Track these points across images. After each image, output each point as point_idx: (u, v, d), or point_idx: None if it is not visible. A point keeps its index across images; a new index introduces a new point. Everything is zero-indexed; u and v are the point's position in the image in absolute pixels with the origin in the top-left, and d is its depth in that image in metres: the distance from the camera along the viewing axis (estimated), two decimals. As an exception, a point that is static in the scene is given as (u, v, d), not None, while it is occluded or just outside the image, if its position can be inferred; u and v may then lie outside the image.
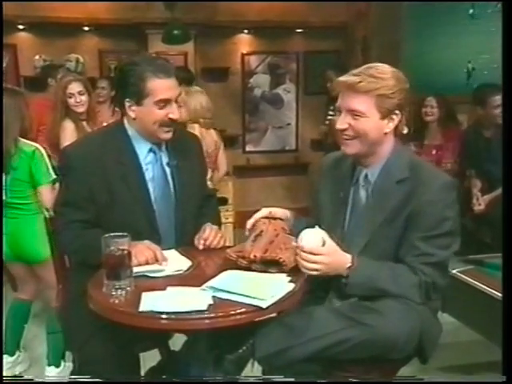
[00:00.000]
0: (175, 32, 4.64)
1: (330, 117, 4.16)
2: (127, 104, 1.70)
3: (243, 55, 5.42)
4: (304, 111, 5.54)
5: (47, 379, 2.38)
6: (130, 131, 1.76)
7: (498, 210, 3.02)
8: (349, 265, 1.48)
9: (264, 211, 1.65)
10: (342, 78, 1.54)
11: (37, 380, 2.32)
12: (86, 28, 4.97)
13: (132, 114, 1.71)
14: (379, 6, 4.93)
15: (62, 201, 1.78)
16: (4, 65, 4.69)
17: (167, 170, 1.79)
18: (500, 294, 1.90)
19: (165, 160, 1.79)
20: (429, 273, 1.51)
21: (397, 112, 1.54)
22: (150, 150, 1.77)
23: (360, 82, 1.50)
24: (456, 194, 1.57)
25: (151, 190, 1.75)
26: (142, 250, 1.58)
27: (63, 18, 4.70)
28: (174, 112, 1.70)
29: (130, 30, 4.89)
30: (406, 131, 1.60)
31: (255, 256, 1.50)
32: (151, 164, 1.77)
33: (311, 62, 5.46)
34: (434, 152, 3.63)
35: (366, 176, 1.61)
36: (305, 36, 5.44)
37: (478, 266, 2.28)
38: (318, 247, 1.45)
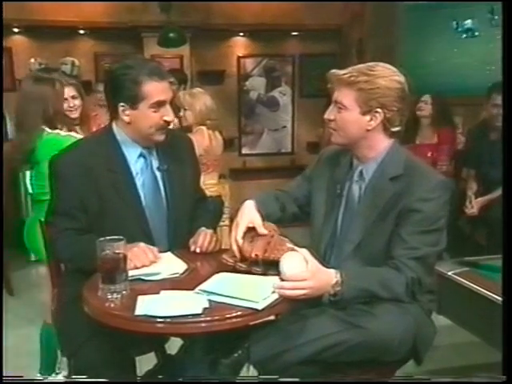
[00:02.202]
0: (171, 35, 4.64)
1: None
2: (121, 108, 1.68)
3: (239, 58, 5.42)
4: (300, 114, 5.55)
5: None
6: (119, 136, 1.74)
7: (494, 212, 3.05)
8: (334, 281, 1.43)
9: (243, 227, 1.56)
10: (334, 70, 1.60)
11: (36, 380, 2.31)
12: (82, 31, 4.97)
13: (126, 119, 1.69)
14: (374, 8, 4.95)
15: (54, 210, 1.75)
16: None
17: (158, 174, 1.77)
18: (495, 296, 1.90)
19: (155, 165, 1.77)
20: (414, 267, 1.50)
21: (379, 110, 1.54)
22: (140, 155, 1.75)
23: (345, 74, 1.55)
24: (449, 194, 1.58)
25: (142, 196, 1.73)
26: (138, 254, 1.57)
27: (59, 21, 4.70)
28: (168, 114, 1.70)
29: (125, 33, 4.89)
30: (395, 129, 1.59)
31: (256, 255, 1.48)
32: (141, 170, 1.75)
33: (307, 64, 5.48)
34: (429, 154, 3.64)
35: (361, 172, 1.63)
36: (300, 39, 5.46)
37: (473, 267, 2.28)
38: (302, 272, 1.37)
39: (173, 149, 1.82)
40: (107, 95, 1.75)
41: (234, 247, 1.54)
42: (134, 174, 1.74)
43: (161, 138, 1.72)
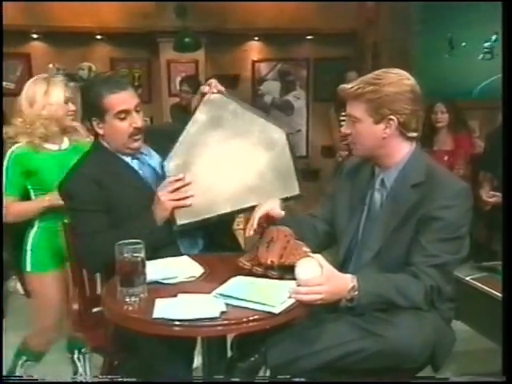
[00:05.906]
0: (186, 40, 4.69)
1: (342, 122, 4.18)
2: (94, 123, 1.80)
3: (253, 62, 5.45)
4: (314, 118, 5.55)
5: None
6: (108, 145, 1.83)
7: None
8: (350, 286, 1.42)
9: (261, 211, 1.61)
10: (343, 85, 1.60)
11: (37, 380, 2.33)
12: (98, 37, 5.04)
13: (100, 131, 1.80)
14: (389, 11, 4.94)
15: (90, 229, 1.75)
16: (18, 74, 4.77)
17: (158, 169, 1.83)
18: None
19: (154, 160, 1.85)
20: (433, 275, 1.48)
21: (392, 117, 1.53)
22: (133, 159, 1.83)
23: (352, 87, 1.55)
24: (471, 201, 1.55)
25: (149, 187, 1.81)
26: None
27: (76, 27, 4.77)
28: (136, 121, 1.78)
29: (141, 39, 4.95)
30: (412, 135, 1.58)
31: (272, 261, 1.49)
32: (139, 167, 1.84)
33: (321, 68, 5.48)
34: (445, 158, 3.61)
35: (383, 181, 1.62)
36: (315, 43, 5.46)
37: (491, 272, 2.26)
38: (315, 277, 1.38)
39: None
40: (82, 113, 1.89)
41: (251, 232, 1.59)
42: (137, 168, 1.83)
43: (135, 145, 1.80)
